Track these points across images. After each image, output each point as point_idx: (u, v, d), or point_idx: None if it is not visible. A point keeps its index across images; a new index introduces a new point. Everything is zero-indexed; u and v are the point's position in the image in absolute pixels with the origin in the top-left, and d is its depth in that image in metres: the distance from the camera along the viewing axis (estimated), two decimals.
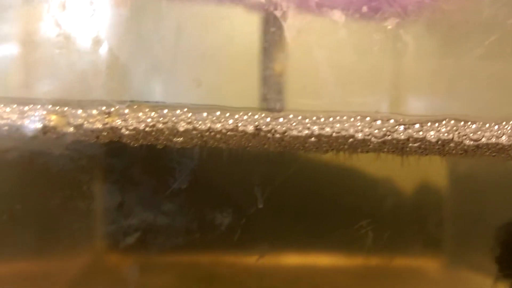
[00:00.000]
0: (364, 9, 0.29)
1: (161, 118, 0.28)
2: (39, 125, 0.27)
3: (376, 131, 0.30)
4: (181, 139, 0.29)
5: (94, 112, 0.28)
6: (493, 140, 0.30)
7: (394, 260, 0.30)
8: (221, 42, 0.28)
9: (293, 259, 0.29)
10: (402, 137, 0.30)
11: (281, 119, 0.29)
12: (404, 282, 0.31)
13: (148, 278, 0.28)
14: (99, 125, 0.28)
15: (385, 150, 0.30)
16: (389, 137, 0.30)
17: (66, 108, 0.27)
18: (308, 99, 0.29)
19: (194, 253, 0.29)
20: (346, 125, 0.29)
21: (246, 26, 0.28)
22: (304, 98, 0.28)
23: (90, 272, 0.27)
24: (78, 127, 0.28)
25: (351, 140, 0.29)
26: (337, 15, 0.29)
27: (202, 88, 0.28)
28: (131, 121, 0.28)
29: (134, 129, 0.28)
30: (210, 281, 0.29)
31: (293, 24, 0.28)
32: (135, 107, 0.28)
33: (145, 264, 0.28)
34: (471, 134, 0.30)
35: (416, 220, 0.31)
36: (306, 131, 0.29)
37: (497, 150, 0.30)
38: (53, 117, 0.27)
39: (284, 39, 0.28)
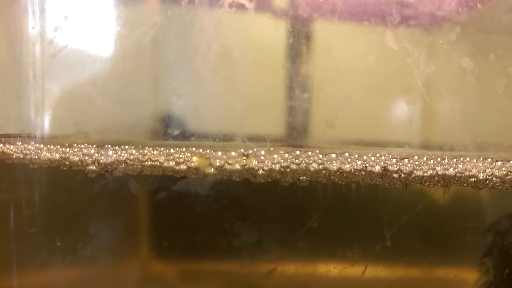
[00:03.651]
0: None
1: (295, 159, 0.30)
2: (183, 167, 0.29)
3: (497, 171, 0.31)
4: (310, 178, 0.30)
5: (234, 154, 0.29)
6: None
7: None
8: None
9: None
10: None
11: (406, 160, 0.30)
12: None
13: None
14: (237, 166, 0.30)
15: (503, 187, 0.31)
16: (510, 177, 0.31)
17: (208, 151, 0.29)
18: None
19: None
20: (468, 165, 0.31)
21: None
22: None
23: None
24: (218, 168, 0.29)
25: (473, 179, 0.31)
26: None
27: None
28: (267, 162, 0.30)
29: (270, 170, 0.30)
30: None
31: None
32: (271, 149, 0.30)
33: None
34: None
35: None
36: (431, 172, 0.30)
37: None
38: (195, 158, 0.29)
39: None
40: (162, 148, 0.29)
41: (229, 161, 0.30)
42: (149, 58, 0.30)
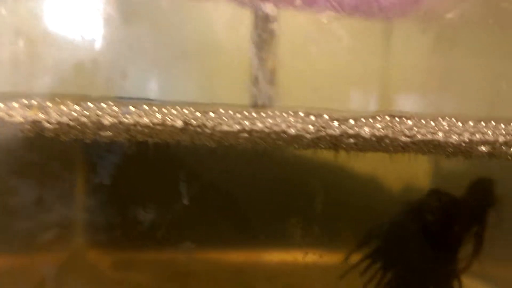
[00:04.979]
0: None
1: (84, 111, 0.27)
2: None
3: (310, 126, 0.29)
4: (107, 133, 0.28)
5: (15, 105, 0.27)
6: (429, 136, 0.30)
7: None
8: None
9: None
10: (336, 133, 0.29)
11: (211, 114, 0.28)
12: None
13: None
14: (20, 119, 0.27)
15: (320, 145, 0.30)
16: (323, 133, 0.29)
17: None
18: None
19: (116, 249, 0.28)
20: (278, 120, 0.29)
21: None
22: None
23: None
24: None
25: (284, 135, 0.29)
26: None
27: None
28: (53, 115, 0.27)
29: (58, 123, 0.27)
30: None
31: None
32: (57, 100, 0.27)
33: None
34: (406, 131, 0.30)
35: None
36: (237, 126, 0.28)
37: (434, 146, 0.30)
38: None
39: None
40: None
41: (10, 112, 0.27)
42: None
